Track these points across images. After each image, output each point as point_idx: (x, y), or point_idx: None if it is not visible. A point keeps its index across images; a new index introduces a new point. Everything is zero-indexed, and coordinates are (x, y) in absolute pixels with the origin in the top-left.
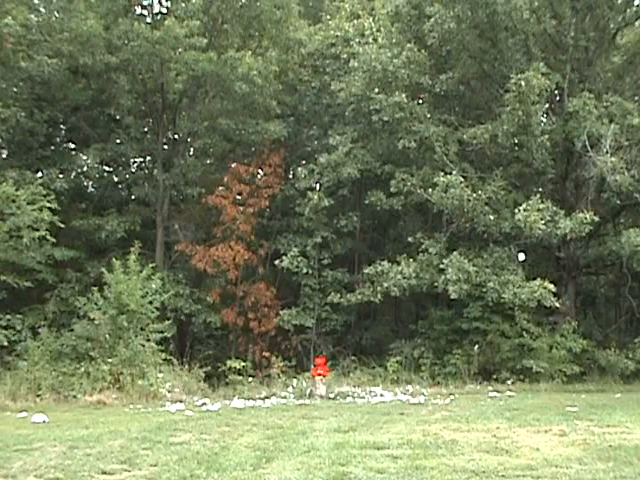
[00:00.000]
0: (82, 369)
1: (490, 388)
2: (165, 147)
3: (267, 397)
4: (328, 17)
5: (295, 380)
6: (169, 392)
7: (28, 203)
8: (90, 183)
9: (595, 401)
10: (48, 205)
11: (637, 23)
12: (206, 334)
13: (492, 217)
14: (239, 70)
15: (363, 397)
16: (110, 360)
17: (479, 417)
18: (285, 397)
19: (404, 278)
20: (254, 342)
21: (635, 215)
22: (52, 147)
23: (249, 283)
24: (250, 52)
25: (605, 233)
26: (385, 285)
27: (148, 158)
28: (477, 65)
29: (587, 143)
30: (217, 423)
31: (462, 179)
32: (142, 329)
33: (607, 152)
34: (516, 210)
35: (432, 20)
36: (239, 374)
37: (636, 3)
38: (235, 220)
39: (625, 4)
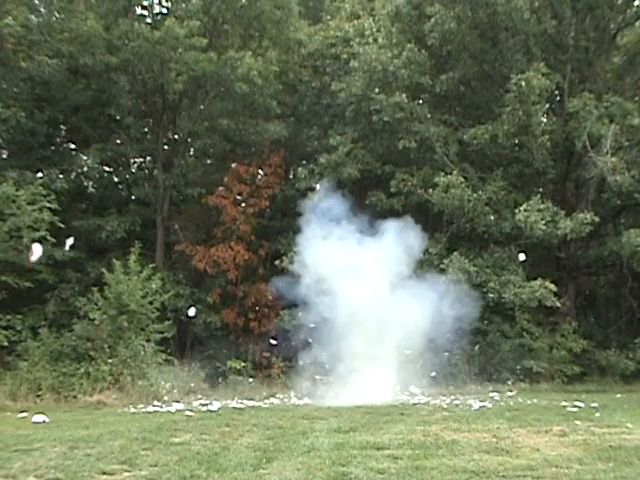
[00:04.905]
0: (82, 369)
1: (490, 388)
2: (165, 147)
3: (267, 397)
4: (328, 17)
5: (295, 380)
6: (169, 392)
7: (28, 203)
8: (90, 183)
9: (595, 401)
10: (48, 205)
11: (637, 23)
12: (206, 334)
13: (492, 217)
14: (239, 70)
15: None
16: (110, 360)
17: (479, 417)
18: (285, 397)
19: None
20: (254, 342)
21: (635, 215)
22: (52, 147)
23: (249, 283)
24: (250, 52)
25: (605, 233)
26: None
27: (148, 158)
28: (477, 65)
29: (587, 143)
30: (217, 423)
31: (462, 179)
32: (142, 329)
33: (607, 152)
34: (516, 210)
35: (432, 20)
36: (239, 374)
37: (636, 3)
38: (235, 220)
39: (625, 4)
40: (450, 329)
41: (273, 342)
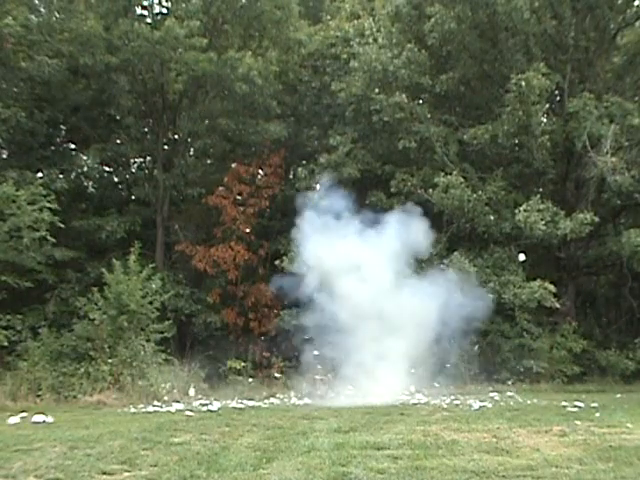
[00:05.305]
0: (82, 369)
1: (490, 388)
2: (165, 147)
3: (267, 397)
4: (328, 17)
5: (295, 380)
6: (169, 392)
7: (28, 203)
8: (90, 183)
9: (595, 401)
10: (48, 205)
11: (637, 23)
12: (206, 334)
13: (492, 217)
14: (239, 70)
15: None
16: (110, 360)
17: (479, 417)
18: (285, 397)
19: None
20: (254, 342)
21: (635, 215)
22: (52, 147)
23: (249, 283)
24: (250, 52)
25: (605, 233)
26: None
27: (148, 158)
28: (477, 65)
29: (587, 143)
30: (217, 423)
31: (462, 179)
32: (142, 329)
33: (607, 152)
34: (516, 210)
35: (432, 20)
36: (239, 374)
37: (636, 3)
38: (235, 220)
39: (625, 4)
40: (450, 329)
41: (277, 375)
